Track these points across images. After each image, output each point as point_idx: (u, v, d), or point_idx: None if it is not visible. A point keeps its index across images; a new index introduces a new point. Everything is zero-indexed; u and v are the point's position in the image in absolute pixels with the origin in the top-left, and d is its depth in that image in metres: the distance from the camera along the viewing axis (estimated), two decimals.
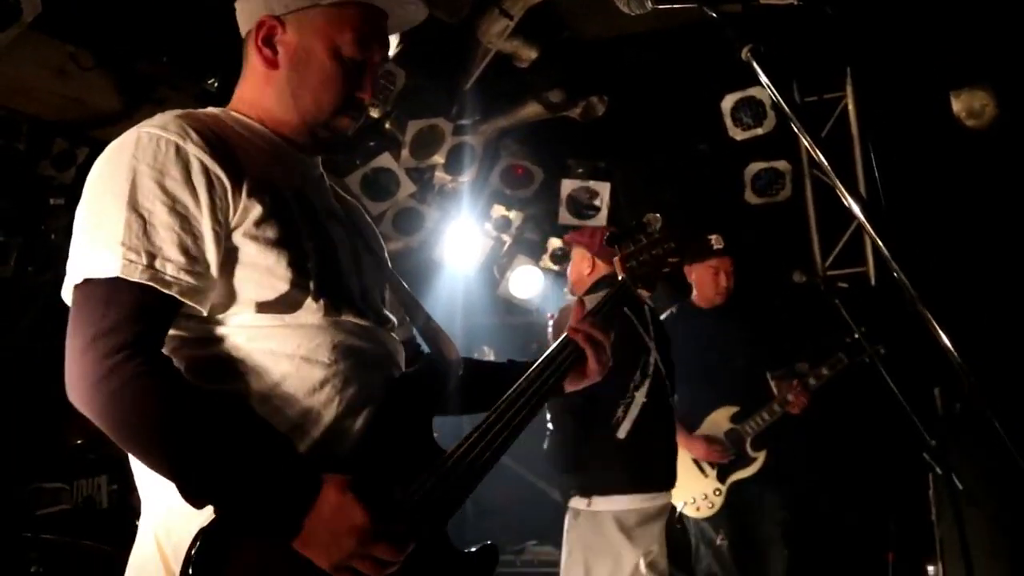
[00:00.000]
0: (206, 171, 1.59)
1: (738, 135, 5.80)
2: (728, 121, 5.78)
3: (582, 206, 6.26)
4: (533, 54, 5.17)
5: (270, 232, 1.63)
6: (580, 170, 6.38)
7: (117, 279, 1.50)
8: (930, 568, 4.81)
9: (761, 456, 4.91)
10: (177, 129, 1.61)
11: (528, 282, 6.42)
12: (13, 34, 3.71)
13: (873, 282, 5.93)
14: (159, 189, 1.56)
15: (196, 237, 1.57)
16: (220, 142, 1.65)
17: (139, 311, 1.51)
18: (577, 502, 3.86)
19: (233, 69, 1.91)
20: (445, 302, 7.14)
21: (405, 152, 5.49)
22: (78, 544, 3.82)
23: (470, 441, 1.80)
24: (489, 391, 1.97)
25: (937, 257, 5.63)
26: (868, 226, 1.38)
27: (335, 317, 1.70)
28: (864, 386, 4.93)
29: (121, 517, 4.61)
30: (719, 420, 4.95)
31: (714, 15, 1.43)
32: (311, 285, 1.67)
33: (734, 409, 4.95)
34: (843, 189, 1.38)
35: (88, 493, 4.66)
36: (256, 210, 1.62)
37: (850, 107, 5.68)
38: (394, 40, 4.75)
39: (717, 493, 4.86)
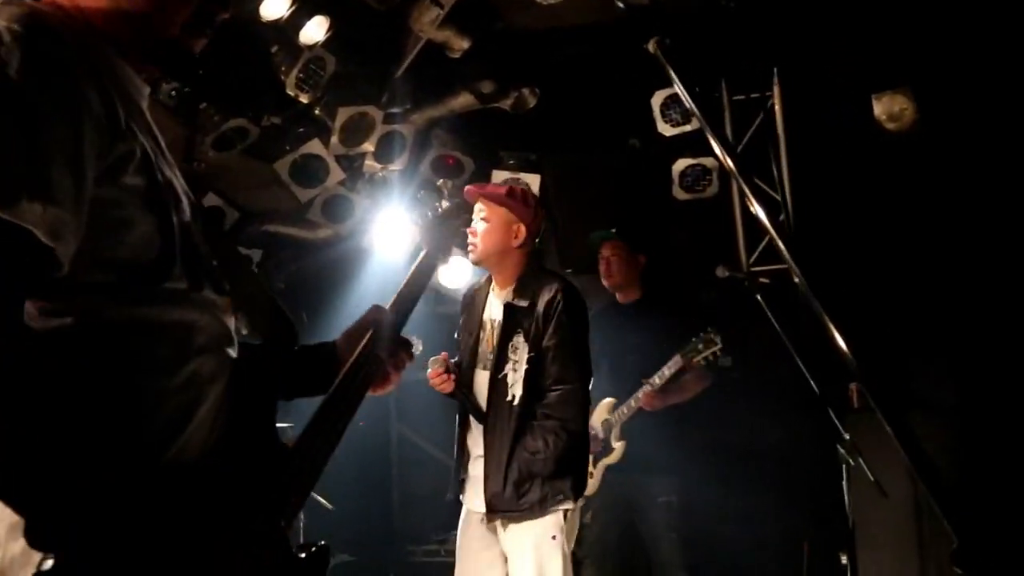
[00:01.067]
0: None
1: (667, 131, 5.84)
2: (658, 117, 5.81)
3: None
4: (465, 44, 5.15)
5: (139, 180, 1.39)
6: (511, 161, 6.38)
7: None
8: (843, 557, 4.90)
9: (620, 446, 5.11)
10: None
11: (457, 272, 6.39)
12: None
13: (795, 279, 6.01)
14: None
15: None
16: (83, 50, 1.36)
17: None
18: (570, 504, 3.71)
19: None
20: (374, 291, 7.09)
21: (335, 139, 5.44)
22: None
23: (306, 441, 1.74)
24: (310, 378, 1.92)
25: (850, 256, 5.76)
26: (773, 232, 1.39)
27: (196, 290, 1.50)
28: (784, 382, 5.02)
29: None
30: (600, 411, 5.18)
31: (620, 5, 1.43)
32: (176, 250, 1.45)
33: (613, 401, 5.19)
34: (750, 194, 1.39)
35: None
36: (128, 149, 1.37)
37: (777, 107, 5.74)
38: (324, 24, 4.71)
39: (589, 476, 5.02)
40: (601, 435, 5.15)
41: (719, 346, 4.88)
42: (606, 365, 5.09)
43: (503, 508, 3.66)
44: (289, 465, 1.67)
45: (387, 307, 2.13)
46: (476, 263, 4.02)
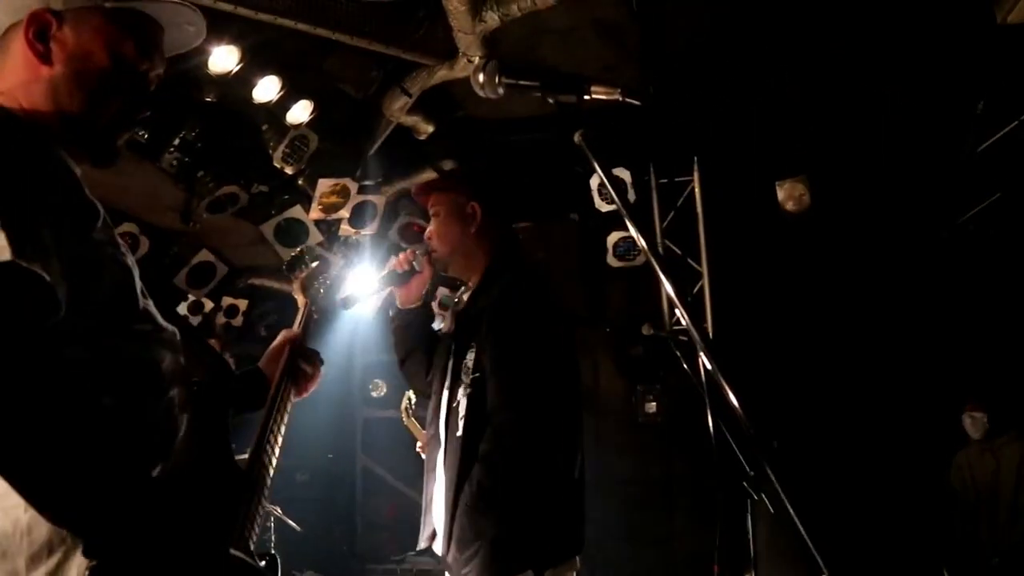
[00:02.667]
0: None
1: (603, 207, 5.94)
2: (595, 195, 5.91)
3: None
4: (430, 128, 5.22)
5: (102, 235, 1.42)
6: None
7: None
8: None
9: None
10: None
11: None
12: None
13: (711, 336, 6.10)
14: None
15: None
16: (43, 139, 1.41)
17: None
18: None
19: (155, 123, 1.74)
20: (345, 340, 7.07)
21: (315, 206, 5.45)
22: None
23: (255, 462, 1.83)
24: (250, 396, 2.03)
25: (758, 316, 5.87)
26: (674, 297, 1.42)
27: (159, 330, 1.52)
28: (704, 427, 5.06)
29: None
30: None
31: (552, 102, 1.48)
32: (137, 293, 1.47)
33: None
34: (658, 268, 1.40)
35: None
36: (95, 210, 1.41)
37: (696, 190, 5.86)
38: (308, 107, 4.75)
39: None
40: None
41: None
42: None
43: None
44: (250, 472, 1.77)
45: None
46: (444, 271, 2.80)
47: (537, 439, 2.39)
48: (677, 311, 1.31)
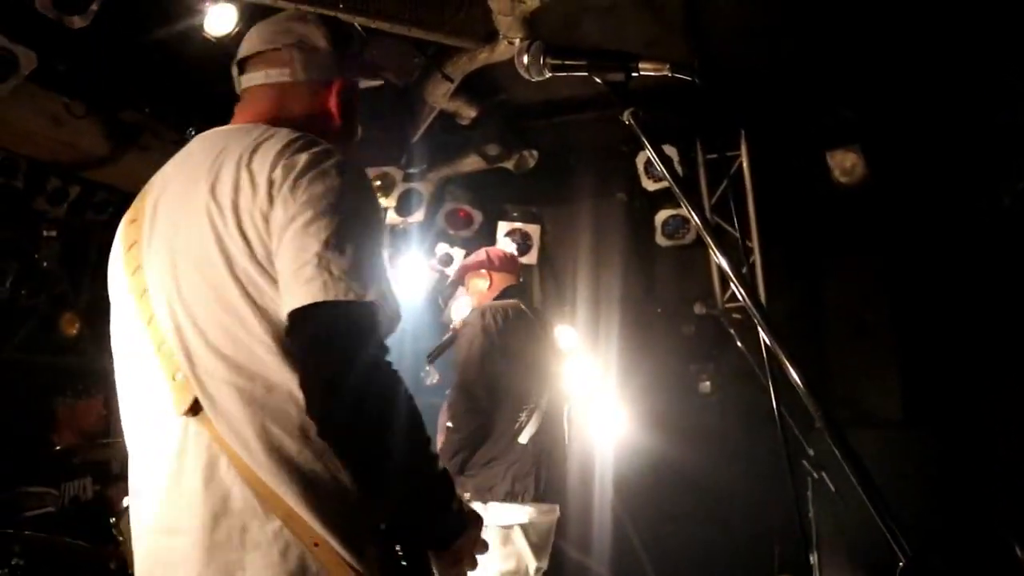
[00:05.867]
0: None
1: (650, 186, 5.87)
2: (641, 174, 5.84)
3: (515, 245, 6.30)
4: (473, 113, 5.20)
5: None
6: (514, 213, 6.42)
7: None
8: (811, 557, 4.87)
9: None
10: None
11: (467, 310, 6.39)
12: (12, 84, 3.66)
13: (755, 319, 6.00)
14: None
15: None
16: None
17: None
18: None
19: (209, 121, 1.82)
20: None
21: None
22: (58, 540, 3.71)
23: None
24: None
25: (811, 295, 5.77)
26: (729, 272, 1.38)
27: None
28: (758, 406, 5.00)
29: (100, 515, 4.49)
30: None
31: (600, 82, 1.46)
32: None
33: None
34: (712, 245, 1.38)
35: (74, 494, 4.54)
36: None
37: (744, 164, 5.76)
38: None
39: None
40: None
41: None
42: None
43: None
44: None
45: None
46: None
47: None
48: (733, 287, 1.28)
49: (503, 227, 6.34)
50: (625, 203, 6.42)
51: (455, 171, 5.95)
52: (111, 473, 4.39)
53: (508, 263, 4.11)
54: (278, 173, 1.48)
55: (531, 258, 6.32)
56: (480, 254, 4.16)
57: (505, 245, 6.22)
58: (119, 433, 1.67)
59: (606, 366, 5.66)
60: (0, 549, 3.49)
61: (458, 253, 6.33)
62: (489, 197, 6.47)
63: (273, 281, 1.46)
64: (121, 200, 4.94)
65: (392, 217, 5.77)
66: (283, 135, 1.57)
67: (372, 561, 1.42)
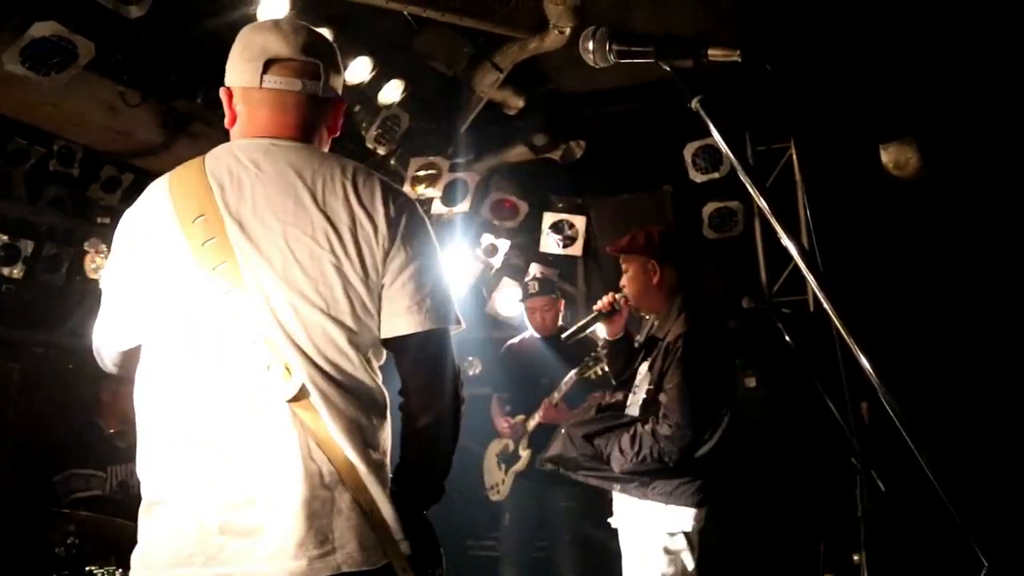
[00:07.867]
0: None
1: (697, 178, 5.82)
2: (689, 166, 5.79)
3: (561, 236, 6.28)
4: (520, 103, 5.20)
5: None
6: (560, 204, 6.40)
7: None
8: (855, 557, 4.80)
9: (526, 455, 5.17)
10: None
11: (512, 302, 6.39)
12: (71, 74, 3.71)
13: (812, 309, 5.93)
14: None
15: None
16: None
17: None
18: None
19: None
20: None
21: (407, 185, 5.49)
22: (110, 521, 3.77)
23: None
24: None
25: (862, 290, 5.67)
26: (801, 262, 1.36)
27: None
28: (805, 402, 4.93)
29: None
30: (520, 420, 5.28)
31: (668, 68, 1.43)
32: None
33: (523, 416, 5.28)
34: (781, 230, 1.36)
35: (122, 478, 4.61)
36: None
37: (794, 156, 5.69)
38: (400, 87, 4.77)
39: (503, 483, 5.31)
40: (514, 442, 5.26)
41: (603, 363, 4.54)
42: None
43: None
44: None
45: None
46: (637, 311, 3.77)
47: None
48: (808, 278, 1.26)
49: (548, 218, 6.32)
50: (671, 194, 6.37)
51: (501, 161, 5.94)
52: None
53: None
54: (393, 216, 1.84)
55: (576, 249, 6.30)
56: (648, 235, 3.84)
57: (549, 236, 6.23)
58: None
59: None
60: (56, 528, 3.56)
61: (503, 244, 6.33)
62: (535, 188, 6.45)
63: (373, 305, 1.82)
64: None
65: (438, 207, 5.78)
66: (368, 172, 1.91)
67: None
